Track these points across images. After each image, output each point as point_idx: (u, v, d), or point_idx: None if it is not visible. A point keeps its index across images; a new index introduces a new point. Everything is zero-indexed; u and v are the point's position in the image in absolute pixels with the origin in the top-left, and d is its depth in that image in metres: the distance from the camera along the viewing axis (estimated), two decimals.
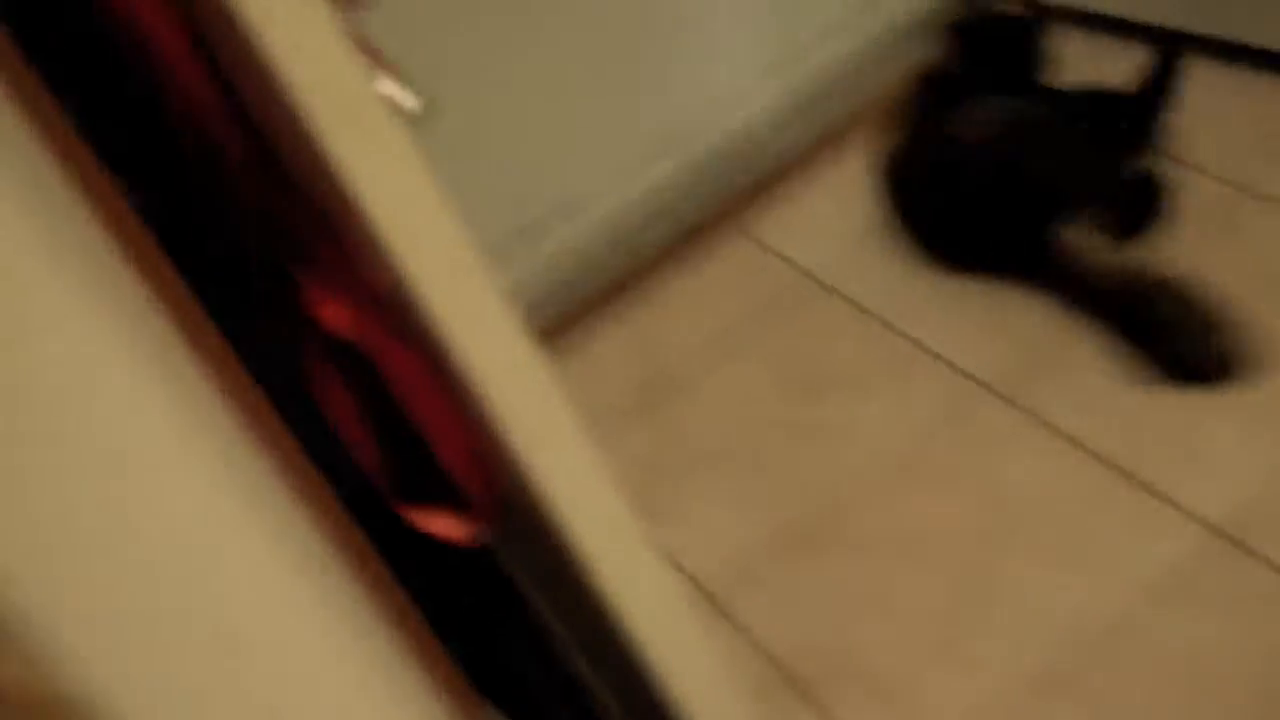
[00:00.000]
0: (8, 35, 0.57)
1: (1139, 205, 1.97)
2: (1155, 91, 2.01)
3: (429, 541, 0.77)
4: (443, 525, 0.76)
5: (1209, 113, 2.12)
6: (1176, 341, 1.82)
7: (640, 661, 0.66)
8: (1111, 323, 1.89)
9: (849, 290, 2.16)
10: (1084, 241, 1.94)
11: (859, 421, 1.95)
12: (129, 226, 0.60)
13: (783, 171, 2.43)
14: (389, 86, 0.79)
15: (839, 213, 2.30)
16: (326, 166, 0.65)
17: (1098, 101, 2.02)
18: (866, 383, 2.01)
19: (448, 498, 0.75)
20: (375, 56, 0.74)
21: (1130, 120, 2.01)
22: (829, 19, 2.46)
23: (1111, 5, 2.33)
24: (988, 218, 1.99)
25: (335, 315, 0.70)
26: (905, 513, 1.82)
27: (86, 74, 0.64)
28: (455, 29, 2.06)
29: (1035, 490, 1.77)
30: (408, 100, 0.80)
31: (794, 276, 2.23)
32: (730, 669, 0.91)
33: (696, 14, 2.36)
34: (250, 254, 0.71)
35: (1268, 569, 1.58)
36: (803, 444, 1.95)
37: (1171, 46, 2.00)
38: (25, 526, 0.57)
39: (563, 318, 2.28)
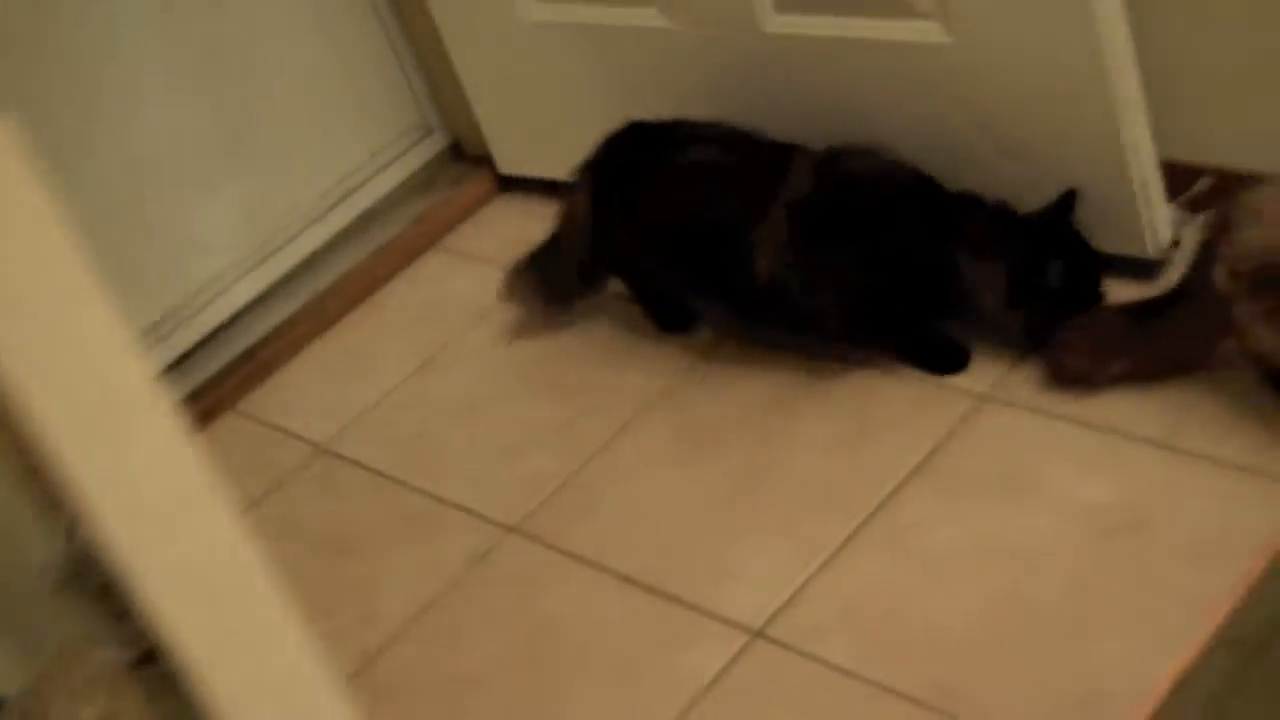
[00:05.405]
0: None
1: None
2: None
3: None
4: None
5: None
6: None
7: None
8: None
9: (356, 454, 2.13)
10: None
11: (387, 576, 1.90)
12: None
13: (272, 350, 2.39)
14: None
15: (333, 383, 2.29)
16: None
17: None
18: (389, 539, 1.96)
19: None
20: None
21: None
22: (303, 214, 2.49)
23: None
24: None
25: None
26: (448, 658, 1.77)
27: None
28: None
29: (571, 620, 1.77)
30: None
31: (300, 448, 2.17)
32: None
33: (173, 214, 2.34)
34: None
35: (807, 660, 1.64)
36: (334, 602, 1.88)
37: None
38: None
39: None
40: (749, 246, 1.90)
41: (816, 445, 1.89)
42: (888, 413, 1.89)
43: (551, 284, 2.16)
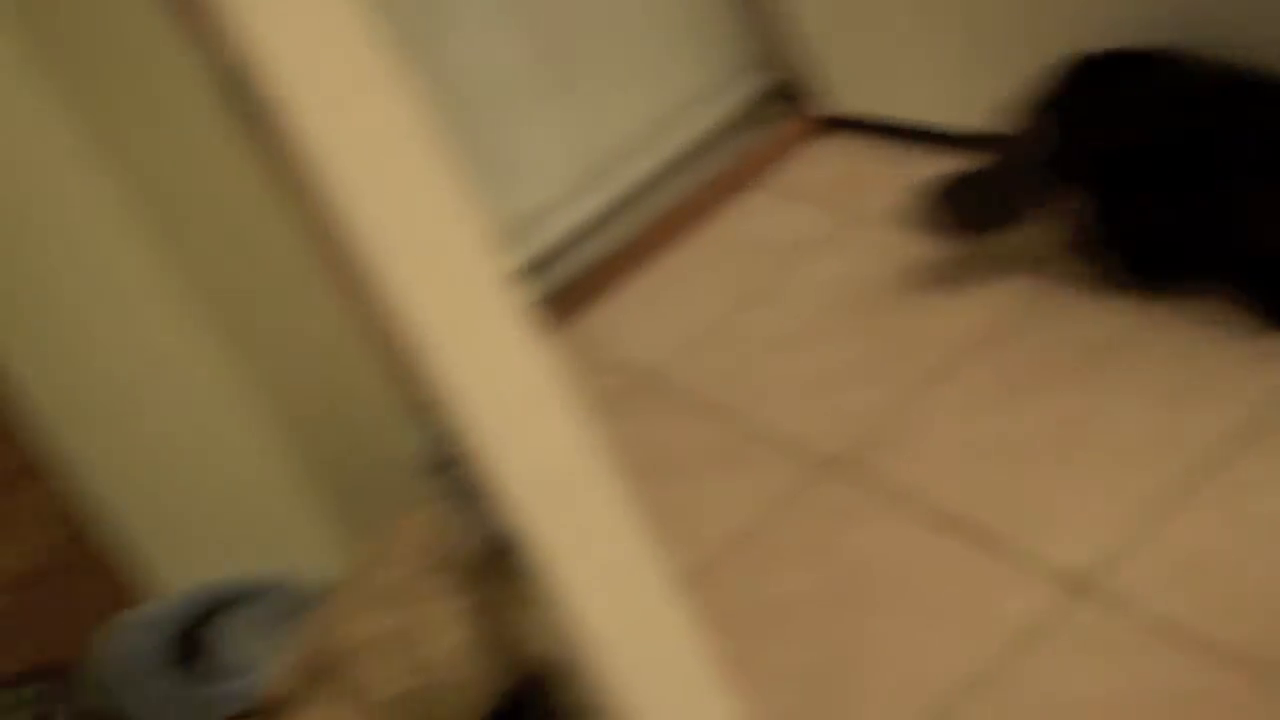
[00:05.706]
0: None
1: None
2: None
3: None
4: None
5: None
6: None
7: None
8: None
9: (677, 382, 2.17)
10: None
11: (706, 502, 1.94)
12: None
13: (595, 278, 2.46)
14: None
15: (654, 313, 2.34)
16: None
17: None
18: (708, 466, 2.00)
19: None
20: None
21: None
22: (629, 147, 2.53)
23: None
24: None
25: None
26: (760, 585, 1.80)
27: None
28: None
29: (886, 557, 1.78)
30: None
31: (622, 375, 2.23)
32: None
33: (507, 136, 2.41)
34: None
35: (1130, 615, 1.61)
36: (653, 524, 1.93)
37: None
38: None
39: None
40: (1221, 176, 1.83)
41: (1146, 395, 1.84)
42: (1221, 366, 1.83)
43: (977, 211, 2.10)
